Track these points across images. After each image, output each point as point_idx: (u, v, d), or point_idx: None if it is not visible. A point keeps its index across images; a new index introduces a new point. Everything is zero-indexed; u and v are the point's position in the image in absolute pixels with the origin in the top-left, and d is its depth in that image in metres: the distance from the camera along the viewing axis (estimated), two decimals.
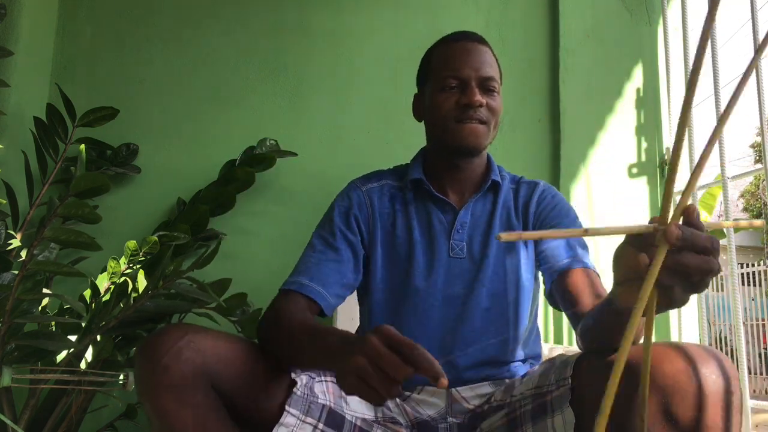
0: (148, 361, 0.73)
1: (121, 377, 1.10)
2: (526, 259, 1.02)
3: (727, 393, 0.62)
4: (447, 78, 0.97)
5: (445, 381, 0.60)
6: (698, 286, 0.50)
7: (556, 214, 1.03)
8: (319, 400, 0.85)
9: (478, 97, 0.95)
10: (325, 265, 0.96)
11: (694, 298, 1.71)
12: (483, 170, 1.06)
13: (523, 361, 1.03)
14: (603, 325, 0.74)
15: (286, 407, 0.82)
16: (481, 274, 0.98)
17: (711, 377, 0.62)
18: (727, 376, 0.63)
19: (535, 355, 1.06)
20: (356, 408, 0.89)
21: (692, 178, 0.45)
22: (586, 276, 0.93)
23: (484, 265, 0.99)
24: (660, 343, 0.68)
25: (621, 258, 0.56)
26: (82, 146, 1.27)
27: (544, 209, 1.04)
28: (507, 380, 0.98)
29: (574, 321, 0.91)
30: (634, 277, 0.54)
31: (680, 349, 0.65)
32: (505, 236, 0.44)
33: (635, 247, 0.53)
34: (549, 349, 1.45)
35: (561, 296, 0.95)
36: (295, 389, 0.84)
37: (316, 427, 0.83)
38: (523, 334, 1.01)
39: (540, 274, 1.05)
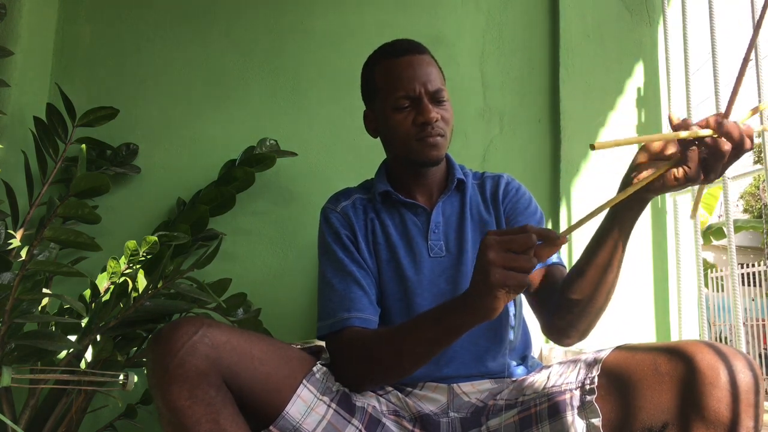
0: (162, 355, 0.73)
1: (121, 377, 1.10)
2: None
3: (754, 390, 0.67)
4: (399, 99, 1.00)
5: (564, 239, 0.70)
6: (727, 165, 0.69)
7: (523, 203, 1.09)
8: (334, 387, 0.87)
9: (434, 114, 0.98)
10: (351, 292, 0.98)
11: (694, 298, 1.71)
12: (445, 171, 1.11)
13: (520, 359, 1.04)
14: (591, 261, 0.82)
15: (304, 381, 0.83)
16: (463, 268, 1.02)
17: (739, 374, 0.67)
18: (754, 375, 0.68)
19: (526, 348, 1.08)
20: (366, 399, 0.91)
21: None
22: (561, 270, 0.99)
23: (464, 259, 1.03)
24: (693, 340, 0.73)
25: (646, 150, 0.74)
26: (83, 146, 1.27)
27: (512, 198, 1.09)
28: (508, 379, 0.99)
29: (549, 306, 0.94)
30: (659, 159, 0.72)
31: (712, 348, 0.70)
32: (598, 145, 0.63)
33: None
34: (549, 349, 1.45)
35: (533, 292, 0.99)
36: (314, 369, 0.85)
37: (329, 406, 0.84)
38: (513, 324, 1.04)
39: None
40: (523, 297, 1.09)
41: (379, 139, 1.13)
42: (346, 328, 0.93)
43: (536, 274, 0.98)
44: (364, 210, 1.09)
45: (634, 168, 0.75)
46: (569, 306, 0.87)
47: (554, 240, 0.69)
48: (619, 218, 0.79)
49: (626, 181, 0.76)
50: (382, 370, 0.88)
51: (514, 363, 1.03)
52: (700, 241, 1.71)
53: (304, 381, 0.83)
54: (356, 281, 0.99)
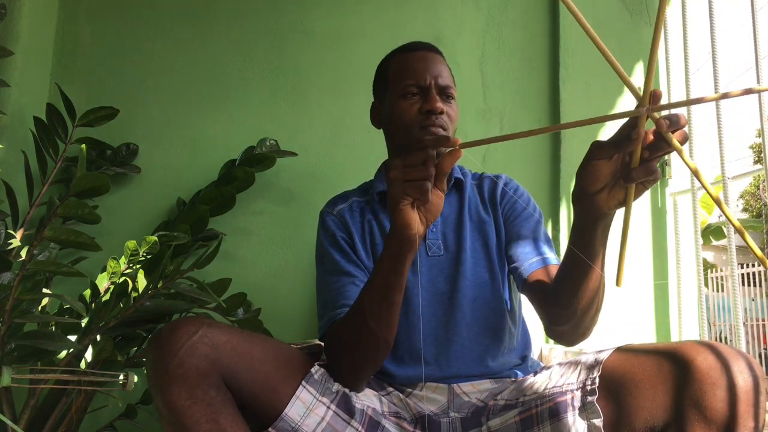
0: (161, 355, 0.73)
1: (121, 377, 1.10)
2: (497, 247, 1.05)
3: (756, 390, 0.67)
4: (408, 86, 1.01)
5: (457, 140, 0.70)
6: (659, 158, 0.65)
7: (521, 203, 1.09)
8: (334, 388, 0.87)
9: (440, 104, 0.99)
10: (346, 290, 0.98)
11: (694, 298, 1.71)
12: None
13: (520, 359, 1.04)
14: (573, 267, 0.79)
15: (303, 383, 0.83)
16: (462, 268, 1.02)
17: (741, 374, 0.68)
18: (755, 375, 0.68)
19: (526, 348, 1.08)
20: (366, 401, 0.90)
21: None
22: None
23: (463, 258, 1.02)
24: (695, 341, 0.73)
25: (594, 170, 0.68)
26: (83, 146, 1.26)
27: (510, 198, 1.09)
28: (509, 380, 0.99)
29: (545, 306, 0.93)
30: (610, 181, 0.69)
31: (714, 348, 0.70)
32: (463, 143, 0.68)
33: (605, 156, 0.67)
34: (549, 349, 1.45)
35: (533, 293, 0.98)
36: (313, 371, 0.85)
37: (329, 407, 0.84)
38: (512, 324, 1.04)
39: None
40: (523, 297, 1.09)
41: (377, 139, 1.13)
42: (337, 321, 0.93)
43: (536, 274, 0.98)
44: (362, 212, 1.09)
45: (594, 195, 0.70)
46: (559, 310, 0.87)
47: (451, 146, 0.71)
48: (588, 237, 0.75)
49: (588, 209, 0.72)
50: (359, 344, 0.86)
51: (513, 363, 1.03)
52: (700, 241, 1.71)
53: (303, 382, 0.83)
54: (352, 281, 0.99)
